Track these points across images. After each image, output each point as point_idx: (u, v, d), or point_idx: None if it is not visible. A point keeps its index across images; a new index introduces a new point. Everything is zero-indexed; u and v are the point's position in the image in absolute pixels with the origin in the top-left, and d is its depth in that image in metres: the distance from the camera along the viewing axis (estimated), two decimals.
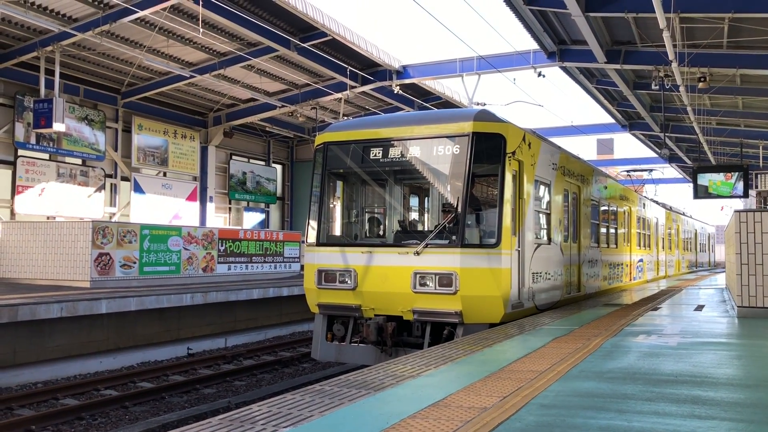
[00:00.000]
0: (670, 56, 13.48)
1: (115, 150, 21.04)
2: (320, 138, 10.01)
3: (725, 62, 15.52)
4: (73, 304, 11.82)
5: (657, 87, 16.49)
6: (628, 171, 28.41)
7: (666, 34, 12.00)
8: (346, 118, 23.48)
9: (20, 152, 18.04)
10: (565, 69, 18.63)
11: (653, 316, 10.13)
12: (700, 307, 11.56)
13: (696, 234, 34.69)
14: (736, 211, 9.96)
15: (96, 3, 15.65)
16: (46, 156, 18.77)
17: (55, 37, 16.44)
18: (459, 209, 8.69)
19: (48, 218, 18.37)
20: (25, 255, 15.81)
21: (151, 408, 9.81)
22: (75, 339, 12.50)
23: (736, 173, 20.22)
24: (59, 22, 16.08)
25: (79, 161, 19.77)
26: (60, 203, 18.91)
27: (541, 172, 10.30)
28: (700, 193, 20.32)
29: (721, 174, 20.39)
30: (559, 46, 17.11)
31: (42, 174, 18.53)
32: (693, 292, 15.95)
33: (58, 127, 17.06)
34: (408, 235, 9.56)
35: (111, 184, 21.01)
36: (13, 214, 17.81)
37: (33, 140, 18.17)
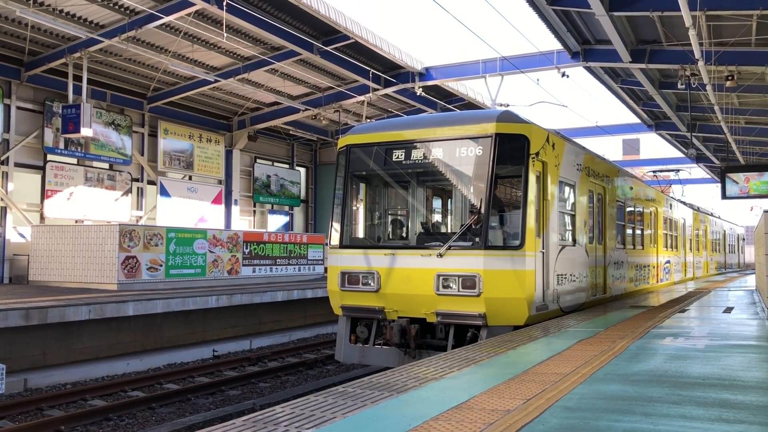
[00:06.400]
0: (697, 55, 13.30)
1: (142, 154, 21.33)
2: (343, 141, 10.05)
3: (754, 60, 15.26)
4: (101, 307, 12.00)
5: (683, 86, 16.24)
6: (654, 171, 28.04)
7: (692, 33, 11.84)
8: (368, 120, 23.54)
9: (49, 157, 18.38)
10: (589, 69, 18.47)
11: (680, 318, 9.98)
12: (728, 309, 11.36)
13: (724, 235, 34.15)
14: (765, 212, 9.79)
15: (122, 10, 15.91)
16: (74, 160, 19.10)
17: (83, 43, 16.73)
18: (482, 211, 8.64)
19: (76, 222, 18.68)
20: (54, 258, 16.09)
21: (177, 409, 9.90)
22: (103, 341, 12.70)
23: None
24: (87, 29, 16.35)
25: (106, 165, 20.08)
26: (88, 207, 19.21)
27: (566, 173, 10.21)
28: (729, 193, 20.00)
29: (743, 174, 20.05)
30: (583, 46, 16.96)
31: (70, 178, 18.85)
32: (722, 293, 15.69)
33: (85, 132, 17.34)
34: (431, 237, 9.55)
35: (137, 187, 21.30)
36: (42, 218, 18.14)
37: (61, 145, 18.50)
